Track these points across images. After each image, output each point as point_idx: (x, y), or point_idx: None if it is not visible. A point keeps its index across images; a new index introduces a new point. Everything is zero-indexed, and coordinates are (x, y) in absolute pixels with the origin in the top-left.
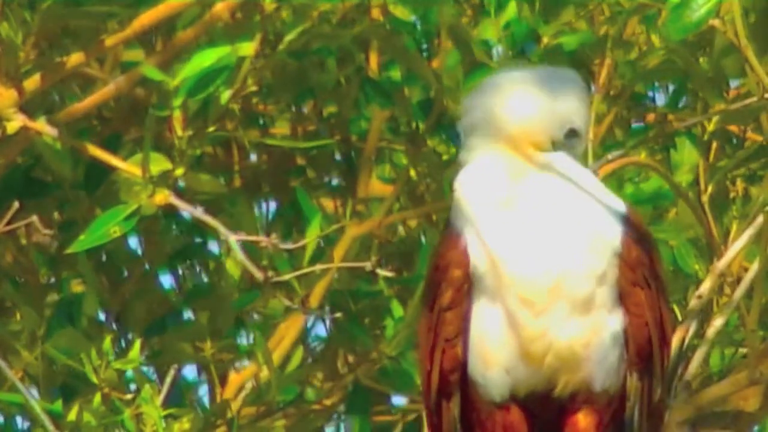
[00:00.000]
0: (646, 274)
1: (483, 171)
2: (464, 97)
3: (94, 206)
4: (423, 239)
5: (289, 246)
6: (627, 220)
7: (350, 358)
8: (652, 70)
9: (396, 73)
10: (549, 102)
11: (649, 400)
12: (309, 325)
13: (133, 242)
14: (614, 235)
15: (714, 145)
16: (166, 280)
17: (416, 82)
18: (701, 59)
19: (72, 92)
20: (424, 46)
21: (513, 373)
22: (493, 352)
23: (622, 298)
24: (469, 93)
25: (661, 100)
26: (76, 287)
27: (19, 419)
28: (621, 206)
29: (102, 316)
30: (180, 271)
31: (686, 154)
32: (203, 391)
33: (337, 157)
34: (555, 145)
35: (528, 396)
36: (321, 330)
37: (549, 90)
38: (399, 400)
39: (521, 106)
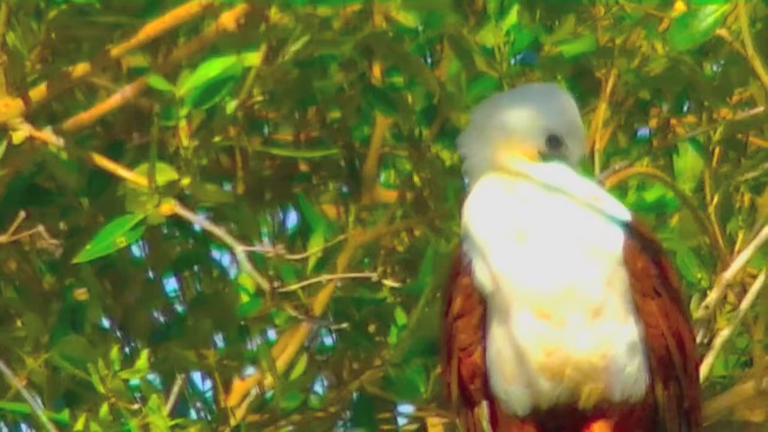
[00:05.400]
0: (656, 284)
1: (485, 196)
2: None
3: (98, 214)
4: (427, 247)
5: (296, 257)
6: (631, 229)
7: (355, 366)
8: (656, 77)
9: (399, 80)
10: (528, 112)
11: (679, 407)
12: (313, 333)
13: (136, 249)
14: (615, 244)
15: (717, 151)
16: (170, 287)
17: (419, 89)
18: (706, 67)
19: (77, 102)
20: (428, 52)
21: (533, 387)
22: (511, 369)
23: (637, 309)
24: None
25: (666, 108)
26: (80, 295)
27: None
28: (625, 215)
29: (106, 324)
30: (184, 278)
31: (689, 160)
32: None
33: (341, 164)
34: (543, 156)
35: (551, 409)
36: (326, 339)
37: (529, 102)
38: (404, 409)
39: (505, 119)
